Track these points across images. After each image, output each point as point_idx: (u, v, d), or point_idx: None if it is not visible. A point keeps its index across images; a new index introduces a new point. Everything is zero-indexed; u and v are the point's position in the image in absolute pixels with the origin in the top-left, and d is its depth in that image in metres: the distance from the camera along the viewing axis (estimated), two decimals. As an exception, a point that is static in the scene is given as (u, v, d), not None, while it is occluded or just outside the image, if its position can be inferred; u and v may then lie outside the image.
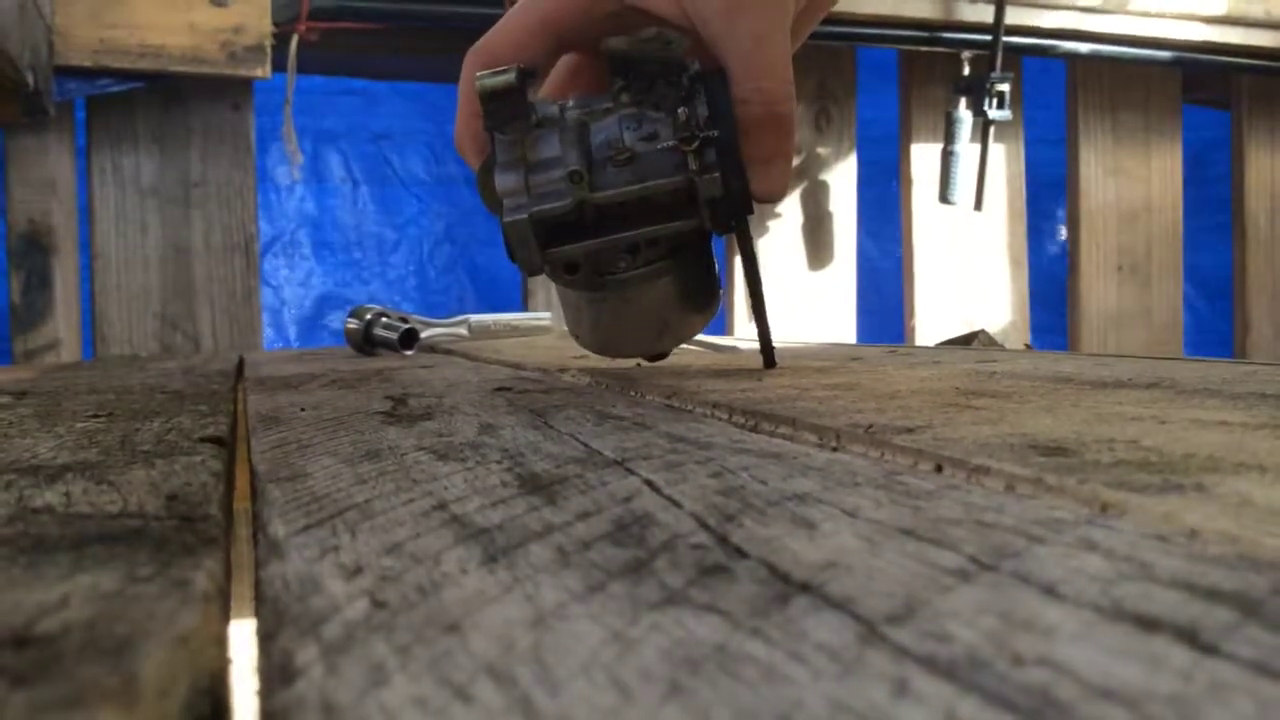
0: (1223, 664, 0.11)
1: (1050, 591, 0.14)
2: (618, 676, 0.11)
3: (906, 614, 0.13)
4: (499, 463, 0.25)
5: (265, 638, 0.13)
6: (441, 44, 1.23)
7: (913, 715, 0.10)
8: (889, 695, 0.11)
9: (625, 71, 0.42)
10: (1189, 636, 0.12)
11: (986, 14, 1.34)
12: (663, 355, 0.51)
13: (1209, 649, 0.11)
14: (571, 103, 0.43)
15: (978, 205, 1.37)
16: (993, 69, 1.35)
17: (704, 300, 0.46)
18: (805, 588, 0.14)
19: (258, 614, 0.14)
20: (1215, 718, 0.10)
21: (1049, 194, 1.58)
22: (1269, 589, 0.13)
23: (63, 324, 1.10)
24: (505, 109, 0.41)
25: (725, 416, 0.32)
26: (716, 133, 0.41)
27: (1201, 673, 0.11)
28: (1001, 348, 1.24)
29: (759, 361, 0.50)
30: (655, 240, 0.43)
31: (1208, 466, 0.21)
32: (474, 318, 0.93)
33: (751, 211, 0.43)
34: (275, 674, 0.12)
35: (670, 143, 0.41)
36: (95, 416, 0.37)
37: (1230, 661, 0.11)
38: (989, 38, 1.35)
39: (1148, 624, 0.12)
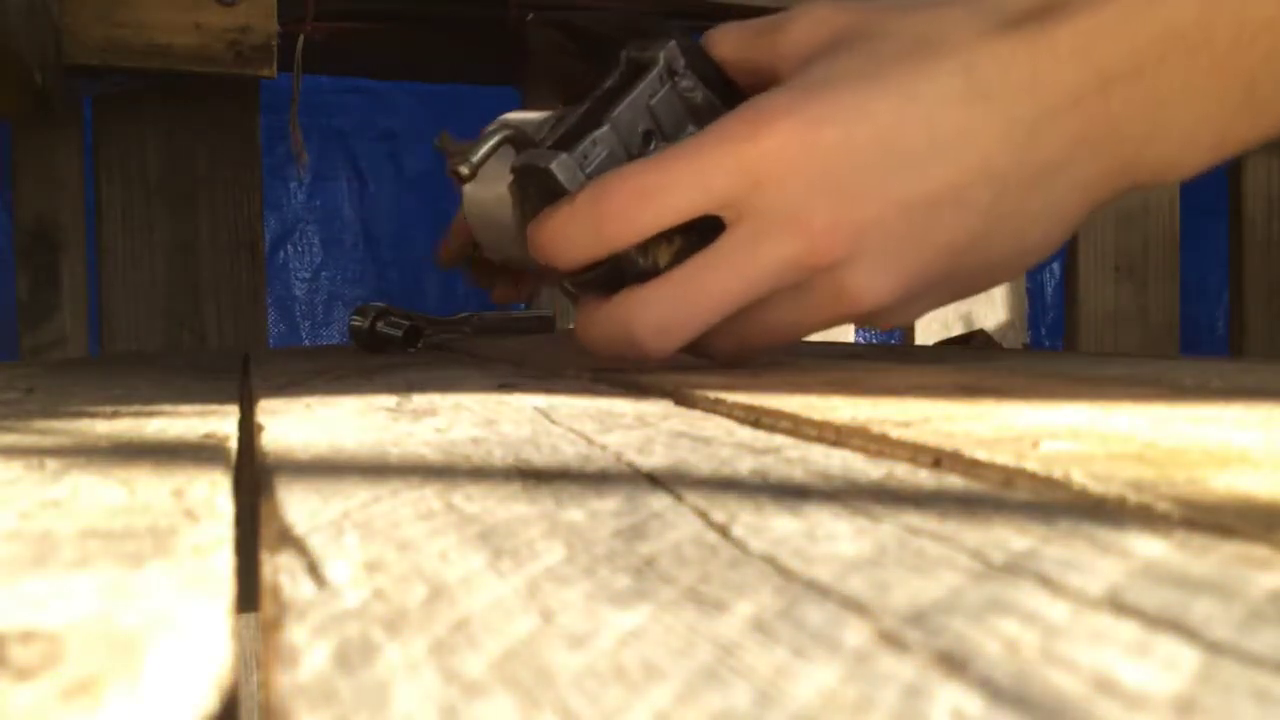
0: (1227, 661, 0.11)
1: (1053, 587, 0.14)
2: (624, 672, 0.11)
3: (911, 611, 0.13)
4: (502, 458, 0.25)
5: (269, 629, 0.13)
6: (450, 44, 1.23)
7: (922, 713, 0.10)
8: (898, 693, 0.11)
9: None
10: (1193, 633, 0.12)
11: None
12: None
13: (1213, 646, 0.12)
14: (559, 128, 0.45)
15: None
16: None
17: None
18: (809, 584, 0.14)
19: (262, 605, 0.14)
20: (1221, 714, 0.10)
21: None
22: (1269, 584, 0.14)
23: (69, 320, 1.10)
24: (539, 185, 0.44)
25: (726, 412, 0.32)
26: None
27: (1207, 669, 0.11)
28: (1000, 347, 1.24)
29: (758, 357, 0.50)
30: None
31: (1205, 462, 0.21)
32: (477, 315, 0.93)
33: None
34: (279, 665, 0.12)
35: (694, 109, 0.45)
36: (102, 412, 0.37)
37: (1235, 659, 0.11)
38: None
39: (1152, 620, 0.12)
